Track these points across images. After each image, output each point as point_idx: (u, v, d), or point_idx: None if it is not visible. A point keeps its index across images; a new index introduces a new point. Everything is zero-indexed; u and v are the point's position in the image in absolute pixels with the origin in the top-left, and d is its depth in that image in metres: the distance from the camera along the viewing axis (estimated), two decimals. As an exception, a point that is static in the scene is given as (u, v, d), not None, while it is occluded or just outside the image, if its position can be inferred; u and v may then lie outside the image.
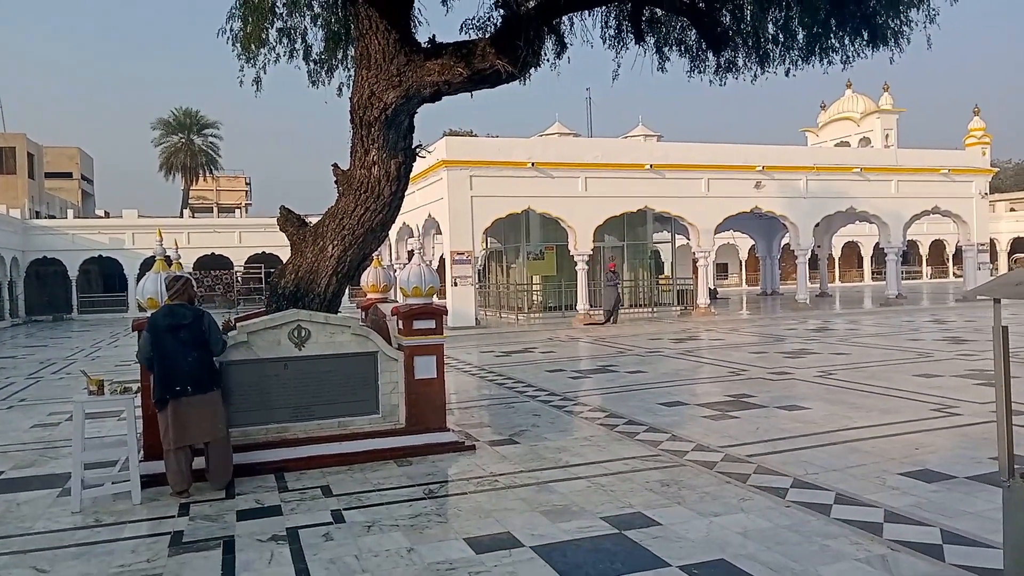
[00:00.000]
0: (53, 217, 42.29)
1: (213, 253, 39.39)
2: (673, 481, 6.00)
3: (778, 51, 9.00)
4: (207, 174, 55.97)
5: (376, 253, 9.73)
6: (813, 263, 29.17)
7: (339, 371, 7.11)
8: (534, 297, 25.43)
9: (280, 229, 8.33)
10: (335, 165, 8.05)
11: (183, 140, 53.88)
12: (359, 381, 7.18)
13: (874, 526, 4.89)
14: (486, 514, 5.34)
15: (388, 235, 25.73)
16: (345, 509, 5.55)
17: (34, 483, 6.49)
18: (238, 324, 6.83)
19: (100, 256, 37.18)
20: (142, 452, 6.57)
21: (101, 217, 44.69)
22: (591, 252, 22.88)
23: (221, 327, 6.44)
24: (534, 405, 9.52)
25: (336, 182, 7.97)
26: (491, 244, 28.29)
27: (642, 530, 4.92)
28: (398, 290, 7.77)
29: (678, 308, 25.75)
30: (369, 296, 9.61)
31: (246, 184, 71.83)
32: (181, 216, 45.82)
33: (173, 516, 5.52)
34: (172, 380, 5.93)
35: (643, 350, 15.29)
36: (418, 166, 24.08)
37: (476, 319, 22.18)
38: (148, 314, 6.65)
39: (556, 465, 6.60)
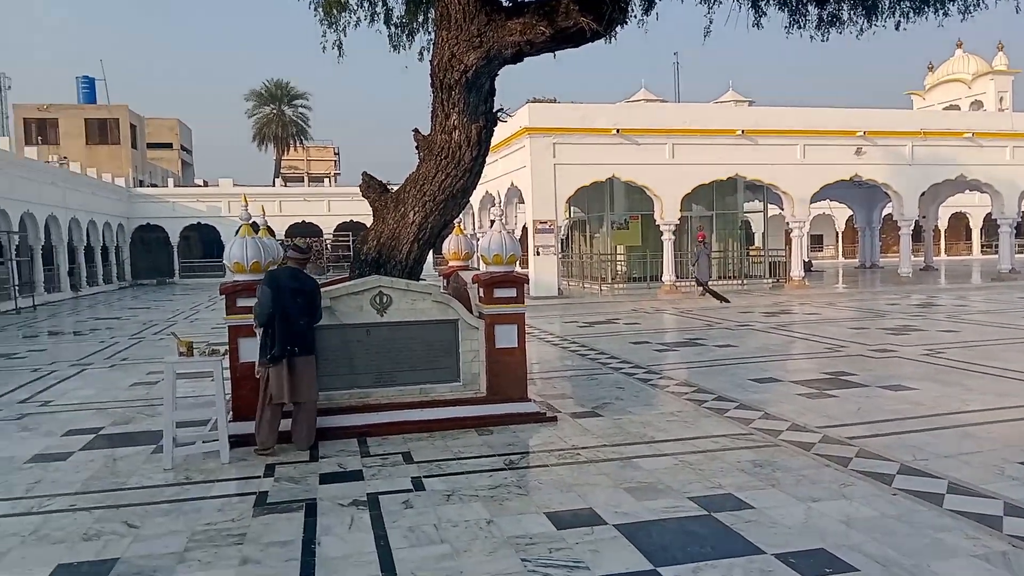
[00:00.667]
0: (155, 186, 44.30)
1: (304, 221, 40.52)
2: (767, 462, 5.68)
3: (888, 1, 8.32)
4: (297, 144, 57.45)
5: (458, 220, 9.62)
6: (917, 235, 27.50)
7: (420, 338, 7.06)
8: (618, 267, 25.00)
9: (362, 195, 8.31)
10: (416, 130, 7.94)
11: (274, 111, 55.38)
12: (440, 348, 7.11)
13: (993, 519, 4.46)
14: (567, 488, 5.18)
15: (469, 202, 25.57)
16: (425, 477, 5.50)
17: (130, 440, 6.73)
18: (325, 288, 6.85)
19: (199, 223, 38.81)
20: (230, 413, 6.72)
21: (199, 186, 46.49)
22: (678, 222, 22.22)
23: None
24: (618, 377, 9.28)
25: (417, 148, 7.87)
26: (574, 213, 27.93)
27: (734, 513, 4.65)
28: (479, 258, 7.63)
29: (770, 280, 24.83)
30: (451, 264, 9.54)
31: (335, 154, 73.40)
32: (273, 185, 47.22)
33: (259, 476, 5.60)
34: (286, 340, 6.04)
35: (732, 323, 14.75)
36: (500, 133, 23.89)
37: (559, 289, 21.97)
38: (236, 279, 6.75)
39: (641, 440, 6.37)
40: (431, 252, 7.99)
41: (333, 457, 6.05)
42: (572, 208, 26.90)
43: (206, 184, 46.79)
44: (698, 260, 20.74)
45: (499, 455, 5.99)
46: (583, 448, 6.15)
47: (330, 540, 4.38)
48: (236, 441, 6.34)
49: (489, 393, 7.11)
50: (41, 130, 42.58)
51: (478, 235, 26.80)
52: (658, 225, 22.38)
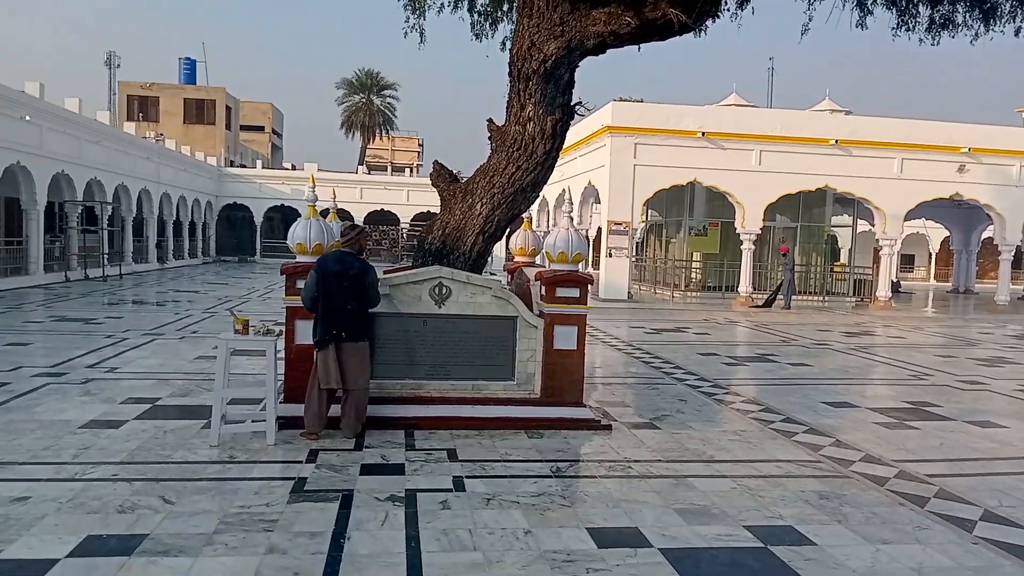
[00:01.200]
0: (244, 167, 45.76)
1: (382, 209, 41.16)
2: (834, 494, 5.24)
3: (1008, 5, 7.64)
4: (383, 133, 58.41)
5: (527, 215, 9.40)
6: (1018, 261, 25.77)
7: (477, 333, 6.87)
8: (692, 275, 24.33)
9: (432, 184, 8.19)
10: (490, 120, 7.75)
11: (363, 100, 56.41)
12: (496, 345, 6.91)
13: (1093, 585, 3.95)
14: (614, 503, 4.88)
15: (545, 199, 25.38)
16: (467, 477, 5.29)
17: (185, 412, 6.77)
18: (384, 275, 6.74)
19: (283, 205, 39.85)
20: (282, 395, 6.68)
21: (286, 169, 47.82)
22: (760, 232, 21.43)
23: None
24: (681, 389, 8.88)
25: (490, 138, 7.68)
26: (651, 216, 27.34)
27: (793, 548, 4.27)
28: (544, 255, 7.39)
29: (853, 299, 23.73)
30: (516, 259, 9.32)
31: (419, 145, 74.41)
32: (356, 172, 48.13)
33: (300, 462, 5.51)
34: (332, 323, 5.96)
35: (809, 341, 14.05)
36: (581, 131, 23.60)
37: (629, 293, 21.51)
38: (298, 260, 6.71)
39: (698, 458, 6.01)
40: (505, 248, 7.79)
41: (378, 448, 5.92)
42: (649, 211, 26.33)
43: (293, 168, 48.09)
44: (785, 272, 20.10)
45: (546, 461, 5.74)
46: (635, 462, 5.83)
47: (360, 536, 4.22)
48: (285, 423, 6.29)
49: (543, 395, 6.87)
50: (143, 107, 44.59)
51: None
52: (738, 234, 21.63)
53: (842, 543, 4.38)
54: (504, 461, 5.70)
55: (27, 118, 19.52)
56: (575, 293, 6.91)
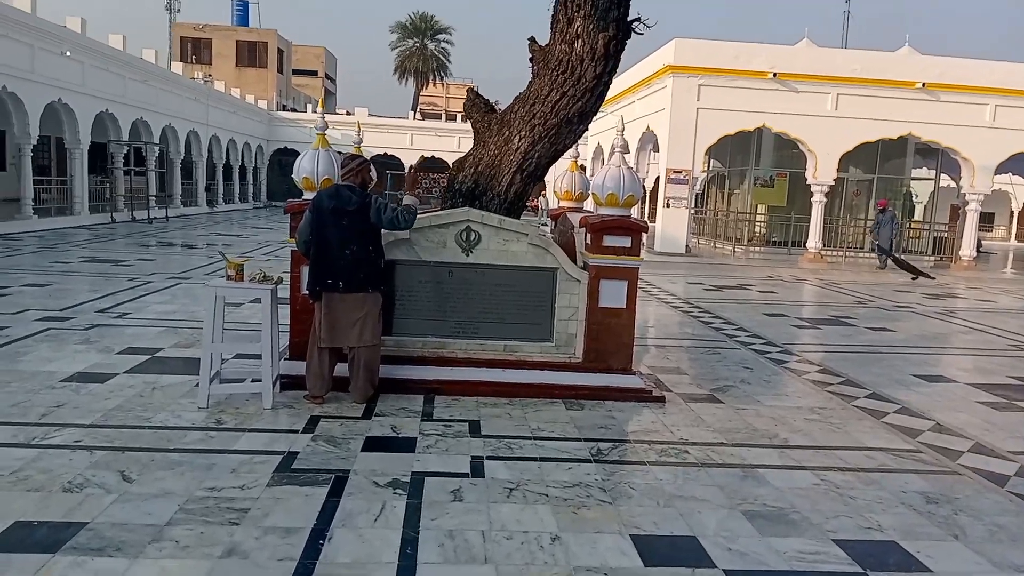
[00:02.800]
0: (295, 111, 45.22)
1: (433, 156, 40.24)
2: (943, 497, 4.20)
3: None
4: (437, 80, 57.12)
5: (573, 155, 8.34)
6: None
7: (510, 286, 5.93)
8: (756, 228, 22.85)
9: (464, 115, 7.17)
10: (531, 39, 6.65)
11: (417, 44, 55.11)
12: (532, 301, 5.96)
13: None
14: (667, 501, 3.94)
15: (600, 146, 24.02)
16: (489, 458, 4.41)
17: (182, 367, 6.05)
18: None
19: (385, 154, 39.17)
20: (287, 350, 5.89)
21: (339, 115, 47.11)
22: (833, 183, 19.82)
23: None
24: (745, 354, 7.82)
25: (531, 59, 6.59)
26: (712, 166, 25.77)
27: (901, 578, 3.28)
28: (590, 197, 6.36)
29: (932, 259, 21.95)
30: (561, 204, 8.29)
31: (473, 92, 72.75)
32: (408, 118, 47.17)
33: (296, 431, 4.70)
34: (324, 271, 5.10)
35: (888, 303, 12.71)
36: (640, 72, 22.06)
37: (687, 247, 20.24)
38: (304, 197, 5.84)
39: (770, 442, 5.00)
40: (551, 198, 6.78)
41: (389, 417, 5.08)
42: (711, 160, 24.77)
43: (348, 114, 47.43)
44: (879, 229, 18.48)
45: (586, 440, 4.82)
46: (693, 444, 4.86)
47: (345, 536, 3.38)
48: (288, 383, 5.51)
49: (586, 359, 5.92)
50: (196, 50, 44.23)
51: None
52: (808, 185, 20.07)
53: (965, 570, 3.37)
54: (535, 439, 4.79)
55: (67, 53, 19.05)
56: (625, 242, 5.89)
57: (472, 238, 5.85)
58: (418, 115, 48.87)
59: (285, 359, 5.79)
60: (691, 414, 5.54)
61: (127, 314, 8.20)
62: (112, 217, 21.77)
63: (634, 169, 6.02)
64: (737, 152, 23.78)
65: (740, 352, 7.92)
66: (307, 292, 5.13)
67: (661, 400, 5.80)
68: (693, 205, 22.03)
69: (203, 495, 3.71)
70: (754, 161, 22.78)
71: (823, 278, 16.40)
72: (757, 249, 21.75)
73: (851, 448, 4.98)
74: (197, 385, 5.38)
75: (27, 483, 3.74)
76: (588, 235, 5.95)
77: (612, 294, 5.87)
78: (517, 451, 4.55)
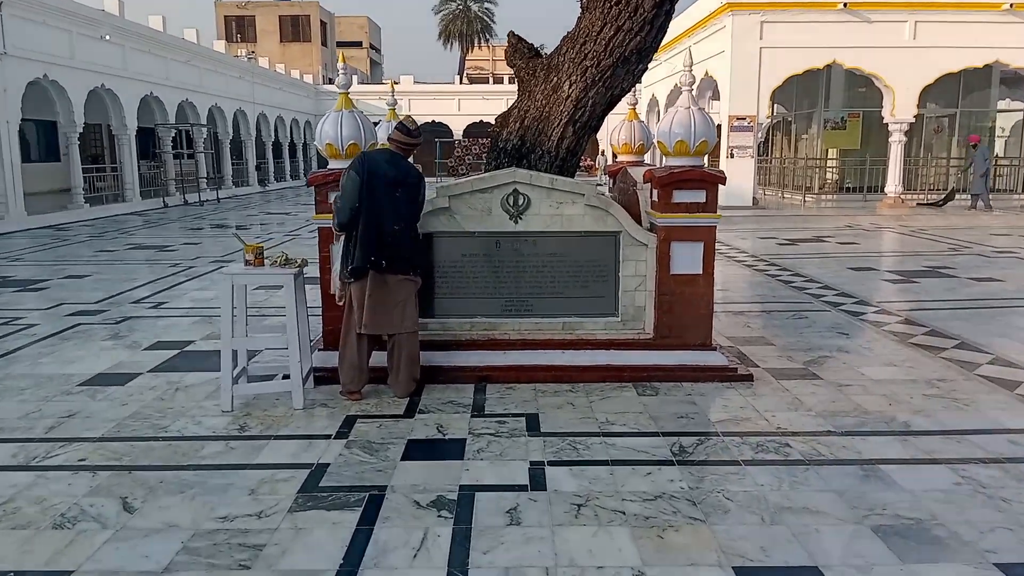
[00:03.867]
0: (342, 84, 44.74)
1: (481, 120, 39.27)
2: None
3: None
4: (482, 42, 55.82)
5: (632, 103, 7.48)
6: None
7: (566, 255, 5.18)
8: (828, 175, 21.40)
9: (507, 63, 6.38)
10: (579, -33, 5.79)
11: (460, 6, 53.83)
12: (593, 271, 5.20)
13: None
14: (773, 515, 3.18)
15: (655, 97, 22.67)
16: (551, 463, 3.72)
17: (212, 361, 5.49)
18: (442, 184, 5.14)
19: (380, 121, 38.63)
20: (320, 341, 5.29)
21: (385, 85, 46.48)
22: (912, 120, 18.26)
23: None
24: (836, 317, 6.91)
25: (579, -7, 5.74)
26: (776, 111, 24.23)
27: (1111, 630, 2.46)
28: (655, 146, 5.53)
29: (1022, 197, 20.17)
30: (619, 159, 7.45)
31: (519, 52, 71.08)
32: (454, 83, 46.28)
33: (328, 436, 4.09)
34: (371, 248, 4.45)
35: (987, 248, 11.46)
36: (695, 14, 20.70)
37: (753, 199, 19.02)
38: (330, 167, 5.17)
39: (887, 427, 4.17)
40: (589, 138, 5.97)
41: (435, 413, 4.44)
42: (774, 105, 23.26)
43: (395, 84, 46.77)
44: (972, 166, 17.05)
45: (664, 435, 4.07)
46: (794, 435, 4.07)
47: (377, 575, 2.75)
48: (323, 377, 4.92)
49: (657, 335, 5.15)
50: (240, 28, 44.09)
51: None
52: (885, 124, 18.56)
53: None
54: (604, 435, 4.08)
55: (107, 37, 18.81)
56: (699, 197, 5.05)
57: (520, 203, 5.10)
58: (465, 80, 47.88)
59: (319, 350, 5.19)
60: (786, 395, 4.73)
61: (163, 304, 7.75)
62: (164, 202, 21.71)
63: (706, 111, 5.15)
64: (803, 94, 22.25)
65: (830, 315, 7.01)
66: (348, 271, 4.47)
67: (748, 379, 5.00)
68: (756, 154, 20.71)
69: (213, 527, 3.12)
70: (823, 102, 21.25)
71: (907, 224, 15.09)
72: (829, 197, 20.37)
73: (989, 431, 4.11)
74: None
75: (14, 518, 3.21)
76: (654, 191, 5.14)
77: (685, 258, 5.07)
78: (584, 452, 3.84)
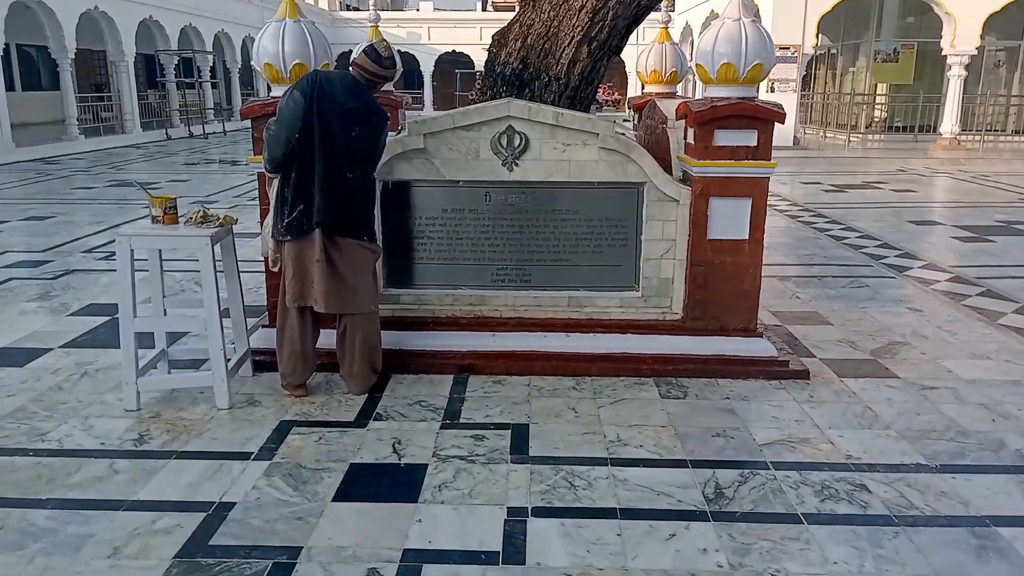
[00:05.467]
0: (357, 10, 42.91)
1: (504, 51, 37.39)
2: None
3: None
4: (508, -34, 53.15)
5: (665, 21, 6.21)
6: None
7: (575, 212, 4.07)
8: (876, 112, 19.72)
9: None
10: None
11: (485, -73, 51.04)
12: (607, 233, 4.09)
13: None
14: (855, 623, 2.14)
15: (688, 24, 20.98)
16: (537, 511, 2.70)
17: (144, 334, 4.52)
18: (413, 120, 4.00)
19: (398, 51, 36.83)
20: (267, 316, 4.27)
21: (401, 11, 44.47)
22: (974, 52, 16.49)
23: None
24: (905, 286, 5.76)
25: None
26: (820, 42, 22.34)
27: None
28: (691, 71, 4.34)
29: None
30: (647, 91, 6.21)
31: (547, -21, 67.91)
32: (476, 10, 44.15)
33: (248, 456, 3.10)
34: (310, 199, 3.35)
35: (1066, 200, 10.09)
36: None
37: (795, 138, 17.50)
38: (272, 95, 4.06)
39: (999, 460, 3.08)
40: (608, 62, 4.76)
41: (395, 420, 3.42)
42: (819, 36, 21.41)
43: (418, 11, 44.74)
44: None
45: (695, 463, 3.02)
46: (871, 467, 2.99)
47: None
48: (265, 362, 3.92)
49: (688, 316, 4.05)
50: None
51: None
52: (943, 57, 16.81)
53: None
54: (612, 462, 3.03)
55: (97, -46, 17.45)
56: (749, 139, 3.88)
57: (516, 144, 3.96)
58: (489, 7, 45.58)
59: (263, 327, 4.18)
60: (853, 401, 3.64)
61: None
62: (167, 134, 20.62)
63: (760, 23, 3.92)
64: (852, 23, 20.38)
65: (896, 283, 5.85)
66: (282, 227, 3.41)
67: (804, 375, 3.91)
68: (798, 89, 19.05)
69: (35, 620, 2.15)
70: (875, 32, 19.42)
71: (966, 169, 13.60)
72: (876, 137, 18.75)
73: None
74: (156, 358, 3.84)
75: None
76: (690, 130, 3.97)
77: (728, 219, 3.93)
78: (583, 493, 2.81)
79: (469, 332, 4.09)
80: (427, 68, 35.55)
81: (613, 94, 32.07)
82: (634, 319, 4.09)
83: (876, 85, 19.89)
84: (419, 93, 36.72)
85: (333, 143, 3.34)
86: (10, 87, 22.54)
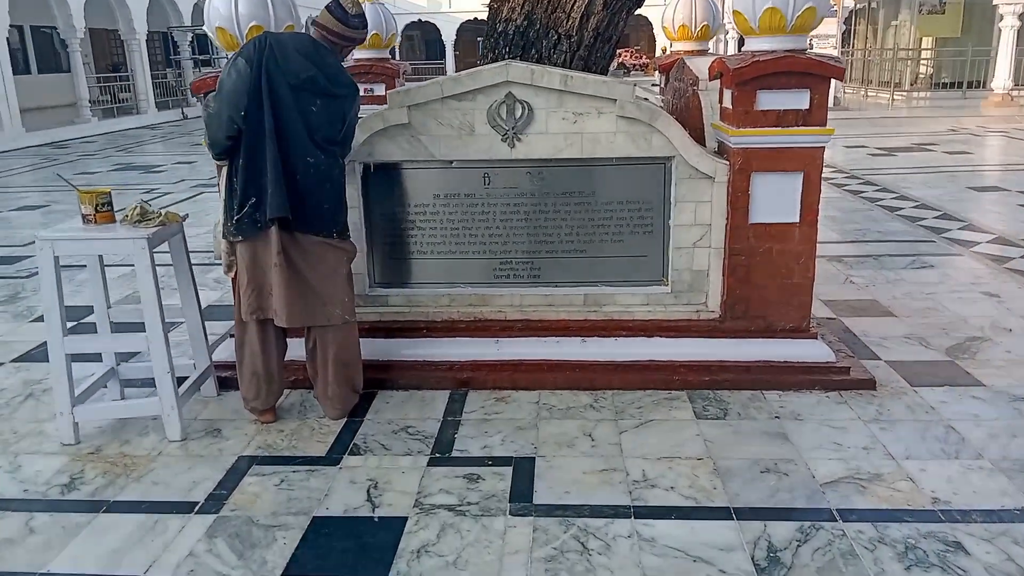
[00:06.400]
0: (378, -20, 41.88)
1: (527, 17, 36.33)
2: None
3: None
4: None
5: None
6: None
7: (590, 194, 3.43)
8: (921, 68, 18.57)
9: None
10: None
11: None
12: (629, 218, 3.45)
13: None
14: None
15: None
16: (541, 581, 2.11)
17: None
18: (398, 89, 3.38)
19: (420, 20, 36.13)
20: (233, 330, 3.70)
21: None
22: (1030, -1, 15.30)
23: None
24: (974, 266, 5.03)
25: None
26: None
27: None
28: (728, 24, 3.65)
29: None
30: (674, 48, 5.49)
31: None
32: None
33: (193, 507, 2.55)
34: (278, 187, 2.75)
35: None
36: None
37: (835, 97, 16.47)
38: (224, 61, 3.45)
39: None
40: (627, 18, 4.09)
41: (374, 453, 2.86)
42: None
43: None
44: None
45: (739, 514, 2.41)
46: (966, 517, 2.35)
47: None
48: (230, 380, 3.36)
49: (727, 314, 3.41)
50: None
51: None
52: (995, 6, 15.64)
53: None
54: (636, 512, 2.43)
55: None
56: (799, 101, 3.19)
57: (518, 115, 3.32)
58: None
59: (232, 336, 3.62)
60: (932, 419, 2.98)
61: (99, 247, 6.28)
62: (183, 113, 20.22)
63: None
64: (894, -27, 19.17)
65: (963, 261, 5.12)
66: (232, 223, 2.84)
67: (869, 385, 3.25)
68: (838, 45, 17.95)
69: None
70: (919, -18, 18.20)
71: (1021, 127, 12.59)
72: (922, 95, 17.64)
73: None
74: (107, 378, 3.32)
75: None
76: (727, 92, 3.29)
77: (774, 198, 3.26)
78: (598, 559, 2.22)
79: (468, 338, 3.50)
80: (448, 36, 34.66)
81: (641, 57, 30.76)
82: (662, 319, 3.46)
83: (921, 39, 18.69)
84: (441, 64, 35.90)
85: (287, 121, 2.74)
86: (26, 70, 22.37)
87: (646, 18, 29.35)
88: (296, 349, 3.22)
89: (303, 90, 2.73)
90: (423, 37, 38.67)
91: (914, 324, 3.98)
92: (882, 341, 3.76)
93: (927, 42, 18.84)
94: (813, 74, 3.13)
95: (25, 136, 14.62)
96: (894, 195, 7.31)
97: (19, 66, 22.25)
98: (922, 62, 18.81)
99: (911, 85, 18.04)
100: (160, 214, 2.98)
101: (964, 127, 12.77)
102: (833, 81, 3.32)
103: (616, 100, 3.25)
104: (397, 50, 35.95)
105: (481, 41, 4.40)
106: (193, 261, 3.35)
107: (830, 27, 15.72)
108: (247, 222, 2.79)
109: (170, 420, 2.97)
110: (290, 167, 2.75)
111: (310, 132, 2.76)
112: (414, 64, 36.83)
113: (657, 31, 30.25)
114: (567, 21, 3.89)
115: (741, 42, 3.86)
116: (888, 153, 10.10)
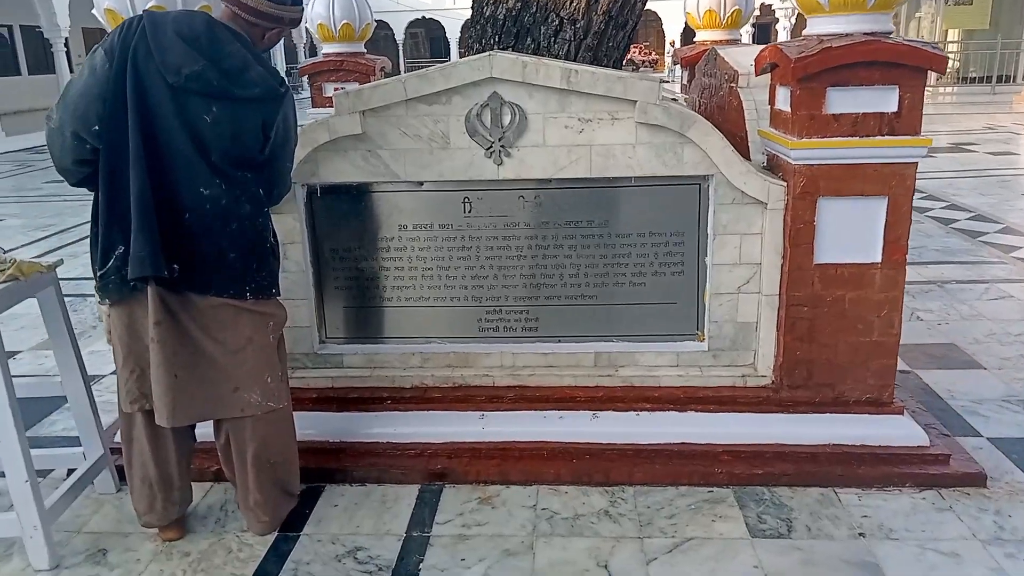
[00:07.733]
0: (380, -23, 41.26)
1: (533, 13, 35.57)
2: None
3: None
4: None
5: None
6: None
7: (602, 223, 2.63)
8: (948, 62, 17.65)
9: None
10: None
11: None
12: (653, 253, 2.64)
13: None
14: None
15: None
16: None
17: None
18: (340, 98, 2.59)
19: (423, 18, 35.38)
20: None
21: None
22: (1068, -14, 14.39)
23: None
24: (1062, 294, 4.20)
25: None
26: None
27: None
28: (755, 15, 2.84)
29: None
30: (700, 38, 4.67)
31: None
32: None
33: None
34: (147, 231, 1.93)
35: None
36: None
37: (856, 93, 15.60)
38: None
39: None
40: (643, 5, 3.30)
41: (307, 593, 2.05)
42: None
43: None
44: None
45: None
46: None
47: None
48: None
49: (784, 381, 2.59)
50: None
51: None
52: (1028, -6, 14.72)
53: None
54: None
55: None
56: (885, 102, 2.38)
57: (507, 121, 2.52)
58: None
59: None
60: (1080, 541, 2.16)
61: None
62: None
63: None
64: (917, -38, 18.26)
65: (1049, 289, 4.29)
66: (100, 285, 2.05)
67: (979, 480, 2.43)
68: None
69: None
70: (944, -29, 17.30)
71: (1066, 123, 11.70)
72: (949, 90, 16.73)
73: None
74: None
75: None
76: (785, 90, 2.47)
77: (848, 231, 2.45)
78: None
79: (445, 412, 2.69)
80: (453, 34, 33.88)
81: (650, 53, 29.77)
82: (698, 387, 2.65)
83: (947, 31, 17.78)
84: (446, 61, 35.18)
85: (167, 138, 1.93)
86: (15, 70, 21.72)
87: (654, 12, 28.47)
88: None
89: (189, 92, 1.91)
90: (427, 35, 37.92)
91: (1009, 379, 3.16)
92: (976, 407, 2.94)
93: (953, 34, 17.93)
94: (905, 65, 2.32)
95: (4, 141, 13.92)
96: (944, 204, 6.47)
97: (9, 67, 21.66)
98: (948, 55, 17.92)
99: (936, 80, 17.12)
100: (9, 263, 2.18)
101: (1001, 124, 11.88)
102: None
103: (636, 101, 2.44)
104: (400, 49, 35.35)
105: (465, 30, 3.62)
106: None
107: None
108: (114, 278, 2.00)
109: (33, 544, 2.18)
110: (173, 202, 1.95)
111: (203, 152, 1.95)
112: (416, 63, 36.28)
113: (667, 25, 29.38)
114: (571, 2, 3.08)
115: (793, 32, 3.04)
116: (928, 154, 9.22)
